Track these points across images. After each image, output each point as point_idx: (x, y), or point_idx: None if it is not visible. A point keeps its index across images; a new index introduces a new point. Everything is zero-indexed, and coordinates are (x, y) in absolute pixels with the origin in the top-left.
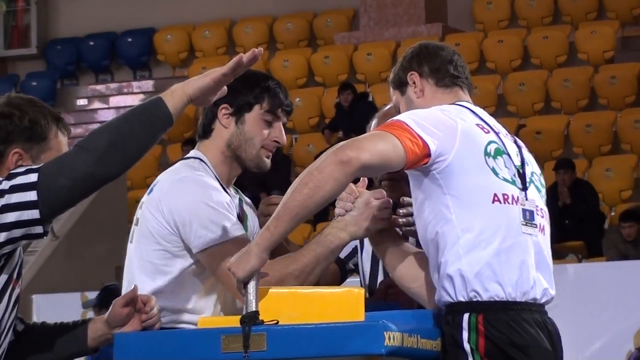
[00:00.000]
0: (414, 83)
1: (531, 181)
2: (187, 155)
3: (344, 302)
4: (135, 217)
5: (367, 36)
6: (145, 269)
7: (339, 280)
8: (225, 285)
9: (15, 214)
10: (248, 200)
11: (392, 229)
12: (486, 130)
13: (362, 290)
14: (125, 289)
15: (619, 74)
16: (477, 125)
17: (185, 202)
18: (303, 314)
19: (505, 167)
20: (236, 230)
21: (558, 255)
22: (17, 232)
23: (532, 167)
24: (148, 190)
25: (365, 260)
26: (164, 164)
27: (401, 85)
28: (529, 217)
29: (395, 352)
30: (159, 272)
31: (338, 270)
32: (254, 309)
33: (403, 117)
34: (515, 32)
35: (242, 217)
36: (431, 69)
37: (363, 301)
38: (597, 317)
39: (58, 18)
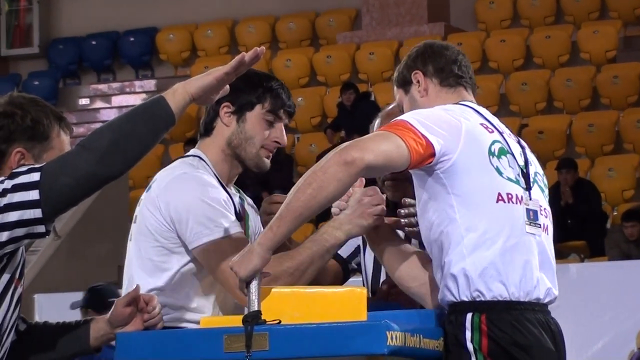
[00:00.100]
0: (418, 82)
1: (535, 181)
2: (186, 154)
3: (347, 302)
4: (134, 215)
5: (369, 36)
6: (144, 266)
7: (341, 280)
8: (220, 282)
9: (17, 213)
10: (249, 200)
11: (390, 228)
12: (490, 130)
13: (365, 290)
14: (125, 287)
15: (621, 74)
16: (481, 124)
17: (181, 198)
18: (305, 314)
19: (510, 166)
20: (232, 228)
21: (560, 254)
22: (19, 232)
23: (536, 167)
24: (147, 188)
25: (368, 260)
26: (166, 163)
27: (405, 83)
28: (532, 216)
29: (398, 352)
30: (158, 269)
31: (340, 270)
32: (256, 309)
33: (407, 116)
34: (517, 32)
35: (243, 217)
36: (435, 68)
37: (365, 301)
38: (599, 317)
39: (60, 17)
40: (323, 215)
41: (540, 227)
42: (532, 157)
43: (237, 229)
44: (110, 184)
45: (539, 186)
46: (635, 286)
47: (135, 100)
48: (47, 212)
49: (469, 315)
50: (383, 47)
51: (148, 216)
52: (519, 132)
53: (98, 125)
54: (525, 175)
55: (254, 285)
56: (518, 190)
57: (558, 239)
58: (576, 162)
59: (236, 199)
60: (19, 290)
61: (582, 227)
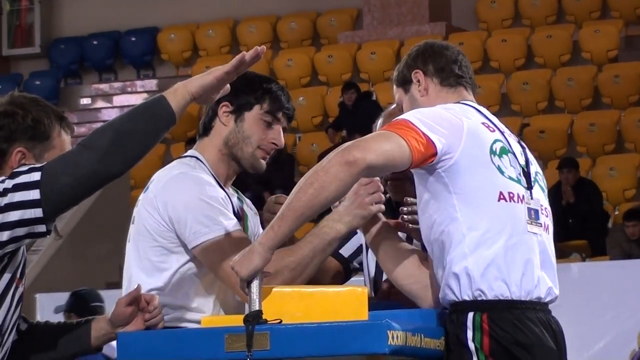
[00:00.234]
0: (418, 81)
1: (535, 180)
2: (184, 154)
3: (348, 301)
4: (132, 216)
5: (370, 35)
6: (143, 266)
7: (342, 280)
8: (222, 280)
9: (18, 212)
10: (248, 201)
11: (387, 226)
12: (491, 129)
13: (366, 290)
14: (125, 287)
15: (622, 73)
16: (483, 123)
17: (179, 198)
18: (306, 313)
19: (511, 165)
20: (232, 225)
21: (562, 254)
22: (20, 231)
23: (536, 166)
24: (144, 189)
25: (370, 259)
26: (167, 163)
27: (405, 83)
28: (534, 216)
29: (399, 351)
30: (157, 269)
31: (341, 270)
32: (257, 308)
33: (408, 115)
34: (519, 31)
35: (241, 217)
36: (436, 67)
37: (366, 300)
38: (600, 316)
39: (62, 17)
40: (324, 215)
41: (541, 226)
42: (532, 157)
43: (237, 226)
44: (112, 183)
45: (540, 186)
46: (636, 285)
47: (137, 99)
48: (48, 211)
49: (471, 315)
50: (384, 47)
51: (146, 217)
52: (520, 132)
53: (99, 124)
54: (526, 175)
55: (255, 285)
56: (519, 190)
57: (559, 239)
58: (577, 162)
59: (234, 199)
60: (20, 289)
61: (584, 226)
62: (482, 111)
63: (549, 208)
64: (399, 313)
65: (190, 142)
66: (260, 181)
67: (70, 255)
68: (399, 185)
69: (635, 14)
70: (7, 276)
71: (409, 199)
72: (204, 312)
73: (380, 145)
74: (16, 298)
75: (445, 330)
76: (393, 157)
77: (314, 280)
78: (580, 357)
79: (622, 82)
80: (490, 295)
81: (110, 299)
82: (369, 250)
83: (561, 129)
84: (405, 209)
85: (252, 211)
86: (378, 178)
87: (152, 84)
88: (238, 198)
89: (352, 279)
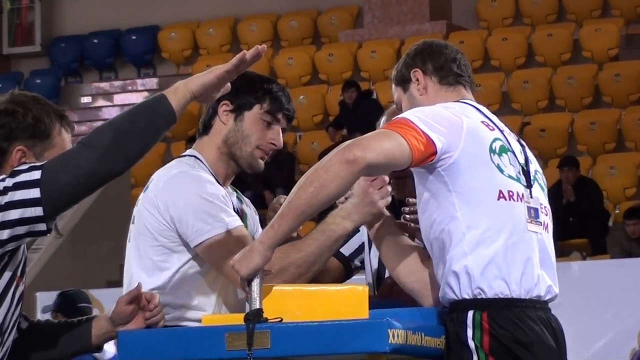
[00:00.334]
0: (417, 80)
1: (535, 179)
2: (183, 154)
3: (348, 300)
4: (132, 215)
5: (371, 34)
6: (144, 265)
7: (342, 278)
8: (226, 277)
9: (18, 211)
10: (247, 200)
11: (392, 222)
12: (491, 128)
13: (367, 288)
14: (125, 287)
15: (623, 72)
16: (482, 122)
17: (180, 196)
18: (307, 312)
19: (510, 164)
20: (233, 222)
21: (562, 252)
22: (20, 230)
23: (535, 165)
24: (144, 188)
25: (372, 257)
26: (168, 162)
27: (404, 82)
28: (533, 214)
29: (399, 350)
30: (158, 269)
31: (342, 268)
32: (258, 307)
33: (408, 114)
34: (519, 30)
35: (241, 216)
36: (435, 66)
37: (367, 299)
38: (601, 315)
39: (62, 16)
40: (325, 214)
41: (541, 224)
42: (531, 156)
43: (238, 222)
44: (112, 182)
45: (539, 184)
46: (637, 284)
47: (137, 98)
48: (48, 210)
49: (471, 313)
50: (385, 46)
51: (147, 216)
52: (520, 130)
53: (100, 123)
54: (526, 173)
55: (255, 284)
56: (519, 188)
57: (560, 237)
58: (578, 160)
59: (233, 199)
60: (21, 288)
61: (584, 225)
62: (481, 110)
63: (548, 207)
64: (399, 312)
65: (191, 141)
66: (261, 180)
67: (70, 253)
68: (402, 183)
69: (635, 13)
70: (7, 274)
71: (410, 199)
72: (205, 311)
73: (381, 144)
74: (17, 296)
75: (446, 329)
76: (393, 155)
77: (314, 279)
78: (581, 355)
79: (623, 80)
80: (490, 294)
81: (111, 298)
82: (372, 249)
83: (562, 128)
84: (407, 209)
85: (251, 210)
86: None
87: (152, 82)
88: (237, 197)
89: (354, 277)
